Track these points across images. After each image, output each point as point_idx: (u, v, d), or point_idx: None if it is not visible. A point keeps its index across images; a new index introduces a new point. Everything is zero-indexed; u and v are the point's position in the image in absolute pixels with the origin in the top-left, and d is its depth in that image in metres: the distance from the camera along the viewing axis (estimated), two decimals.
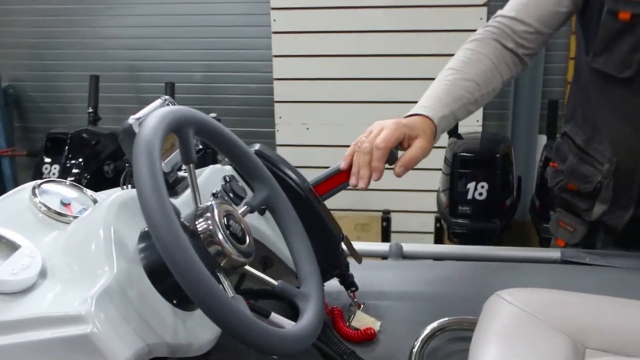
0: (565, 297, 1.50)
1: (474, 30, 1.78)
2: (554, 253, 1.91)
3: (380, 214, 3.81)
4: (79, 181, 3.49)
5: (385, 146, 1.51)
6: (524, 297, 1.46)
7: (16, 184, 4.21)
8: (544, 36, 1.77)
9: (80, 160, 3.58)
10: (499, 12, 1.79)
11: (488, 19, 3.21)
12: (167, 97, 1.46)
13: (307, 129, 3.85)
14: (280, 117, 3.87)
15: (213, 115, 3.71)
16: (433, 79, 1.71)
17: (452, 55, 1.76)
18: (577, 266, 1.85)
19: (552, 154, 2.04)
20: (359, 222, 3.79)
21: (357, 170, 1.54)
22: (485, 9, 3.63)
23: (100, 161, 3.62)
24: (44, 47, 4.22)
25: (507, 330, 1.37)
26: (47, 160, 3.63)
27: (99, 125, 3.87)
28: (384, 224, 3.86)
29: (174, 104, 1.39)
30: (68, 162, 3.57)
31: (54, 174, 3.55)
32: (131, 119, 1.32)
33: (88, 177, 3.54)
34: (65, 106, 4.26)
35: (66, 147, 3.61)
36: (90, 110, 3.88)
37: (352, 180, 1.55)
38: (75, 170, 3.55)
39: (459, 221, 3.26)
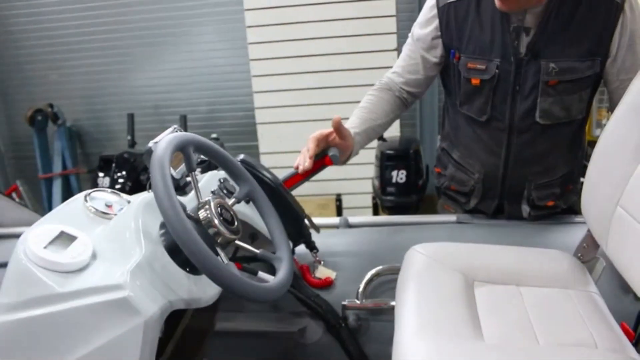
0: (459, 247, 1.50)
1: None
2: (452, 217, 1.90)
3: (335, 196, 3.79)
4: (123, 188, 3.44)
5: (312, 138, 1.60)
6: (431, 249, 1.45)
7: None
8: (419, 88, 1.77)
9: (124, 173, 3.53)
10: (390, 70, 1.79)
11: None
12: (176, 126, 1.43)
13: (280, 141, 3.82)
14: (261, 134, 3.84)
15: (214, 135, 3.68)
16: None
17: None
18: (468, 225, 1.85)
19: (435, 162, 2.01)
20: (319, 203, 3.76)
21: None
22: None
23: (137, 173, 3.57)
24: (94, 96, 4.16)
25: (420, 273, 1.36)
26: (101, 174, 3.58)
27: (136, 148, 3.82)
28: (337, 203, 3.84)
29: (181, 131, 1.37)
30: (115, 175, 3.52)
31: (105, 184, 3.50)
32: (151, 143, 1.29)
33: (130, 184, 3.49)
34: (111, 136, 4.20)
35: (113, 165, 3.56)
36: (129, 137, 3.84)
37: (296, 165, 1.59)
38: (120, 180, 3.50)
39: (388, 198, 3.26)
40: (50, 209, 4.07)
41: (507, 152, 1.71)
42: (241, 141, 4.03)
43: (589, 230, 1.40)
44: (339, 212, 3.79)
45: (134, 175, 3.53)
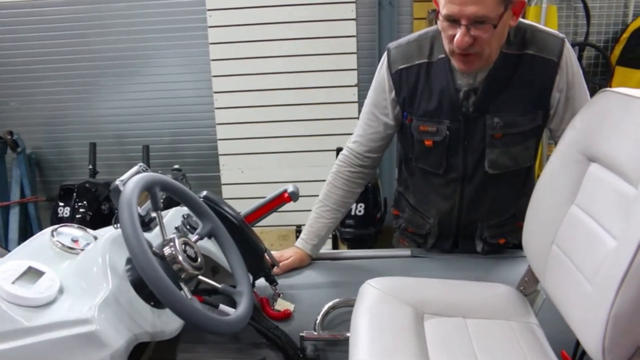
0: (411, 281, 1.59)
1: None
2: (407, 251, 1.97)
3: (295, 227, 3.82)
4: (84, 218, 3.42)
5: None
6: (384, 283, 1.53)
7: (39, 222, 4.10)
8: (382, 152, 1.87)
9: (85, 202, 3.49)
10: (348, 142, 1.88)
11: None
12: (141, 164, 1.49)
13: (242, 172, 3.86)
14: (223, 165, 3.87)
15: (176, 166, 3.70)
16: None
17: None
18: (421, 259, 1.92)
19: (393, 204, 2.09)
20: (280, 234, 3.80)
21: None
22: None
23: (99, 203, 3.53)
24: (55, 123, 4.12)
25: (372, 306, 1.44)
26: (61, 204, 3.54)
27: (97, 177, 3.79)
28: (298, 234, 3.78)
29: (147, 170, 1.43)
30: (76, 204, 3.48)
31: (66, 214, 3.46)
32: (117, 181, 1.35)
33: (91, 214, 3.45)
34: (72, 164, 4.16)
35: (74, 194, 3.53)
36: (91, 167, 3.80)
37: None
38: (81, 210, 3.46)
39: (347, 230, 3.30)
40: (6, 237, 4.02)
41: (461, 198, 1.81)
42: (203, 172, 4.06)
43: (529, 266, 1.51)
44: None
45: (95, 205, 3.51)
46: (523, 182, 1.85)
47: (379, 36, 3.72)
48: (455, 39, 1.48)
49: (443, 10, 1.48)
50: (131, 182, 1.18)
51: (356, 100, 3.70)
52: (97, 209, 3.52)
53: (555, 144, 1.73)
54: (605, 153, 1.18)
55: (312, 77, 3.73)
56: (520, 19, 1.63)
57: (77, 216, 3.42)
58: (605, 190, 1.16)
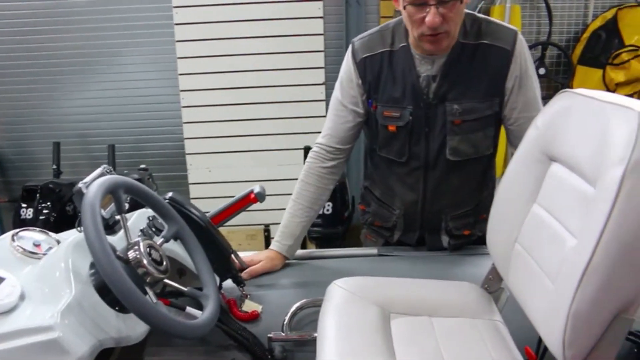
0: (377, 281, 1.59)
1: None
2: (374, 250, 1.99)
3: (263, 227, 3.79)
4: (47, 220, 3.35)
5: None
6: (351, 283, 1.54)
7: (0, 224, 4.01)
8: (352, 142, 1.89)
9: (49, 204, 3.42)
10: (317, 139, 1.90)
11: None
12: (105, 165, 1.47)
13: (210, 171, 3.84)
14: (190, 164, 3.84)
15: (143, 166, 3.66)
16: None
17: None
18: (388, 257, 1.94)
19: (359, 200, 2.12)
20: (248, 233, 3.77)
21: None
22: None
23: (63, 204, 3.46)
24: (17, 122, 4.04)
25: (339, 307, 1.44)
26: (24, 205, 3.45)
27: (61, 178, 3.72)
28: (266, 233, 3.84)
29: (111, 172, 1.41)
30: (39, 206, 3.41)
31: (29, 215, 3.39)
32: (81, 184, 1.32)
33: (55, 215, 3.39)
34: (36, 164, 4.08)
35: (37, 195, 3.45)
36: (54, 167, 3.73)
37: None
38: (45, 212, 3.40)
39: (314, 229, 3.30)
40: None
41: (424, 188, 1.85)
42: (170, 171, 4.02)
43: (493, 264, 1.53)
44: (267, 242, 3.82)
45: (59, 207, 3.44)
46: (484, 171, 1.90)
47: (346, 34, 3.74)
48: (427, 19, 1.56)
49: None
50: (94, 185, 1.16)
51: (324, 98, 3.71)
52: (62, 210, 3.46)
53: (507, 132, 1.82)
54: (565, 153, 1.21)
55: (280, 75, 3.72)
56: (477, 14, 1.75)
57: (41, 217, 3.36)
58: (565, 189, 1.18)
